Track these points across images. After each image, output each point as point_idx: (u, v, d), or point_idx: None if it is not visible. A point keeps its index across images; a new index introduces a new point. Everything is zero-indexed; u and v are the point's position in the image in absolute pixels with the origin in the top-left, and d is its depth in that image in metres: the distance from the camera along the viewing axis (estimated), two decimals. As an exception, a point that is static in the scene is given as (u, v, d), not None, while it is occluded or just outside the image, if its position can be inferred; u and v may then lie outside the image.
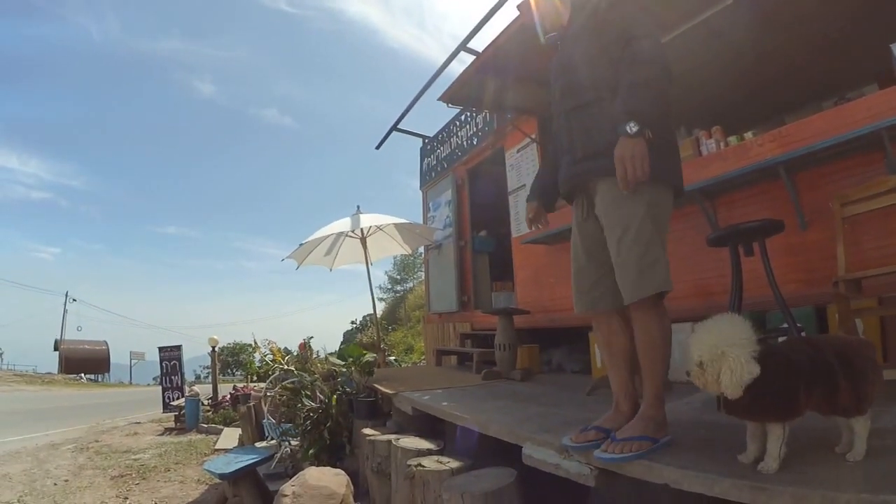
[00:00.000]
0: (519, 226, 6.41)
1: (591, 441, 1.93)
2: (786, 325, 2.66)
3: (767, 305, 3.06)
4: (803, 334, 2.67)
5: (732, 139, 3.96)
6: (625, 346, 2.09)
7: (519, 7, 3.90)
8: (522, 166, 6.38)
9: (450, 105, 5.69)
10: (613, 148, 1.83)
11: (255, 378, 7.99)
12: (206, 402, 9.41)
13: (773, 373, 1.46)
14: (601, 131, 1.95)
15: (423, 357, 12.32)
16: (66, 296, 39.32)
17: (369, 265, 7.22)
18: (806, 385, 1.47)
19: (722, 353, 1.48)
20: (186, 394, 9.59)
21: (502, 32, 4.35)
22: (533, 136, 6.03)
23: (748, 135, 3.86)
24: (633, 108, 1.80)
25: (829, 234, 2.98)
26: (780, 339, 2.60)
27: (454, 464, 2.70)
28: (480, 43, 4.90)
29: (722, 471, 1.50)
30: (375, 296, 7.47)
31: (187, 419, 8.89)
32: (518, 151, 6.46)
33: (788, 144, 3.40)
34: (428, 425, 3.52)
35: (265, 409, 5.46)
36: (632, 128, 1.77)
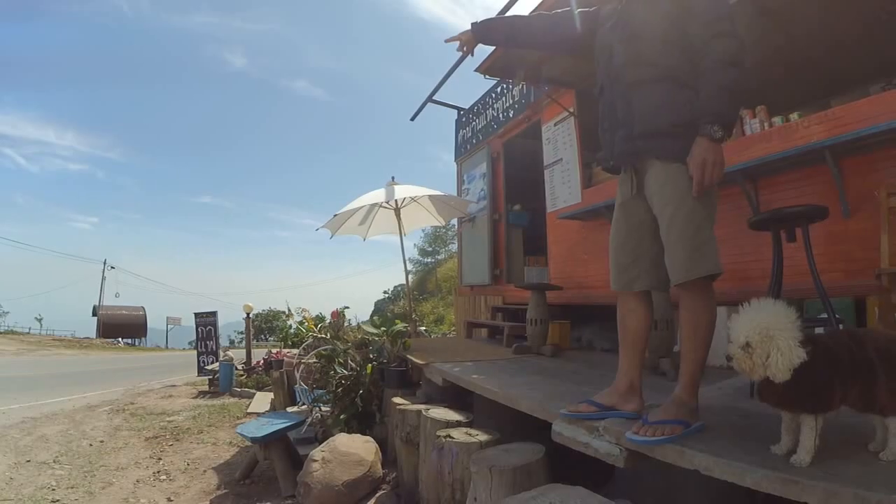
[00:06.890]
0: (554, 200, 6.35)
1: (581, 412, 2.08)
2: (824, 315, 2.62)
3: (805, 293, 3.00)
4: (841, 326, 2.63)
5: (777, 119, 3.84)
6: (637, 326, 2.11)
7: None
8: (559, 140, 6.30)
9: (486, 76, 5.62)
10: (675, 130, 1.84)
11: (289, 344, 8.15)
12: (239, 367, 9.61)
13: (812, 362, 1.45)
14: (666, 112, 1.91)
15: (452, 328, 12.43)
16: (105, 263, 40.66)
17: (403, 236, 7.26)
18: (843, 379, 1.46)
19: (772, 335, 1.46)
20: (221, 358, 9.83)
21: (542, 3, 4.24)
22: (571, 110, 5.93)
23: (793, 116, 3.73)
24: (721, 111, 1.78)
25: (872, 223, 2.91)
26: (818, 330, 2.57)
27: (483, 437, 2.74)
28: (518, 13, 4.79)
29: (754, 461, 1.50)
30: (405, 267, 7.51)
31: (221, 383, 9.07)
32: (555, 125, 6.36)
33: (836, 128, 3.28)
34: (457, 397, 3.58)
35: (297, 375, 5.61)
36: (716, 131, 1.76)
